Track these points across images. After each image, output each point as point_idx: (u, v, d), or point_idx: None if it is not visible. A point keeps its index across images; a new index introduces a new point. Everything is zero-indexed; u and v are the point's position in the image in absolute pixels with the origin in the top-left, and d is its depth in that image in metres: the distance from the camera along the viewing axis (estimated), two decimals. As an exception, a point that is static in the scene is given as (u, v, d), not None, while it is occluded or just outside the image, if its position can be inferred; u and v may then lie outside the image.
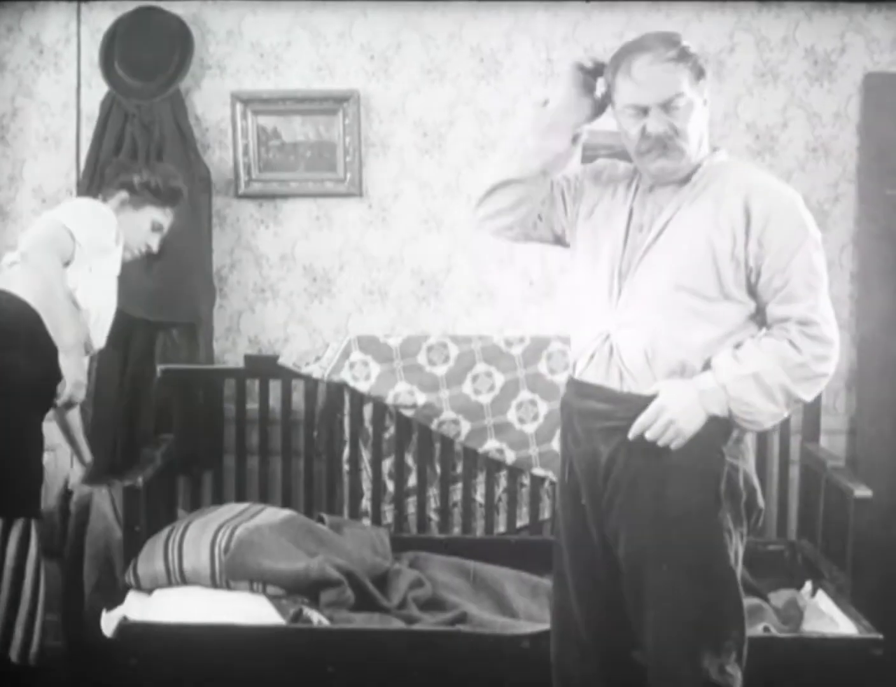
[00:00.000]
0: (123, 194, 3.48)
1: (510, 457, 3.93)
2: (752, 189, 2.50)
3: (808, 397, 2.55)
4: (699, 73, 2.51)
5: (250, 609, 3.29)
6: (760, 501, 2.60)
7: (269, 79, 4.08)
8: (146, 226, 3.52)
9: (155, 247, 3.56)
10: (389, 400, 3.92)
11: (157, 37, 3.98)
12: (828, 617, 3.31)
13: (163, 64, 3.98)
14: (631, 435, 2.51)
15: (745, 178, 2.54)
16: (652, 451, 2.51)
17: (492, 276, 4.13)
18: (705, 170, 2.55)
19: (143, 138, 3.96)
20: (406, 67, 4.07)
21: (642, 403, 2.51)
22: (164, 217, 3.56)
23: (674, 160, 2.51)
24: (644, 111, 2.48)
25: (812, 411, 3.90)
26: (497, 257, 4.11)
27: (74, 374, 3.11)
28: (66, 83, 4.11)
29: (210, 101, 4.10)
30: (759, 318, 2.54)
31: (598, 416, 2.58)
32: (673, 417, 2.47)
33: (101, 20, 4.04)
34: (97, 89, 4.05)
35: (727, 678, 2.54)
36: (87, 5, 4.08)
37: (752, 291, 2.51)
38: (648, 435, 2.49)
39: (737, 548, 2.56)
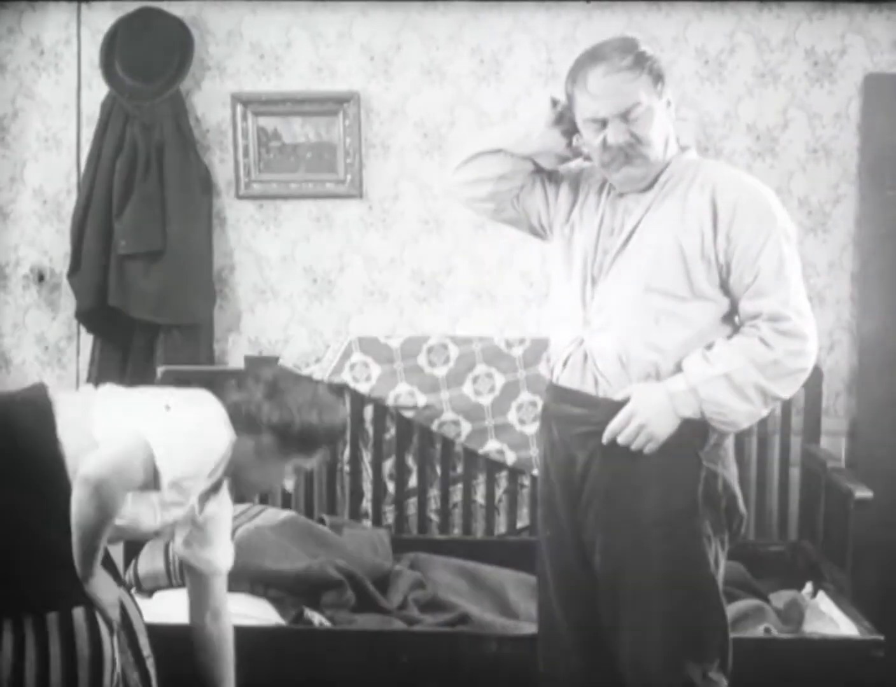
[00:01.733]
0: (269, 438, 2.55)
1: (510, 458, 3.92)
2: (717, 185, 2.48)
3: (786, 394, 2.52)
4: (657, 78, 2.47)
5: (251, 610, 3.28)
6: (741, 508, 2.58)
7: (269, 80, 4.08)
8: (288, 470, 2.63)
9: (290, 487, 2.75)
10: (390, 401, 3.92)
11: (157, 38, 3.98)
12: (828, 618, 3.31)
13: (163, 65, 3.98)
14: (604, 440, 2.50)
15: (711, 175, 2.52)
16: (628, 456, 2.49)
17: (492, 277, 4.13)
18: (673, 170, 2.53)
19: (144, 140, 3.97)
20: (406, 68, 4.07)
21: (617, 407, 2.50)
22: (312, 461, 2.66)
23: (638, 167, 2.49)
24: (603, 123, 2.46)
25: (812, 413, 3.90)
26: (497, 258, 4.11)
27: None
28: (66, 84, 4.11)
29: (210, 102, 4.10)
30: (734, 316, 2.52)
31: (575, 421, 2.57)
32: (644, 421, 2.46)
33: (101, 21, 4.04)
34: (97, 90, 4.05)
35: (710, 684, 2.54)
36: (88, 6, 4.08)
37: (725, 288, 2.49)
38: (620, 440, 2.48)
39: (717, 554, 2.54)
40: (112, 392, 2.65)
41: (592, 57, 2.48)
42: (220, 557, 2.78)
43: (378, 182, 4.11)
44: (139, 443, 2.40)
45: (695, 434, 2.48)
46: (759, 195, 2.50)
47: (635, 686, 2.58)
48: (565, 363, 2.60)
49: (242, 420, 2.56)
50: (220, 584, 2.81)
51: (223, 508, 2.74)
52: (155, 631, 3.20)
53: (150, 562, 3.39)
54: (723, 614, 2.57)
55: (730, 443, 2.57)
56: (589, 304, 2.56)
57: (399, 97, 4.09)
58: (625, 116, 2.44)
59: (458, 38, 4.06)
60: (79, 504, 2.39)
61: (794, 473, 3.95)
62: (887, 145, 3.97)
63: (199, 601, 2.83)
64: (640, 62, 2.45)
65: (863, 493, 3.42)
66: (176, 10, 4.02)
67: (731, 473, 2.56)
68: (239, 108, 4.05)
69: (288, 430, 2.55)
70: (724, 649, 2.56)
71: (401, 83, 4.08)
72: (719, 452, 2.53)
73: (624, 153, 2.47)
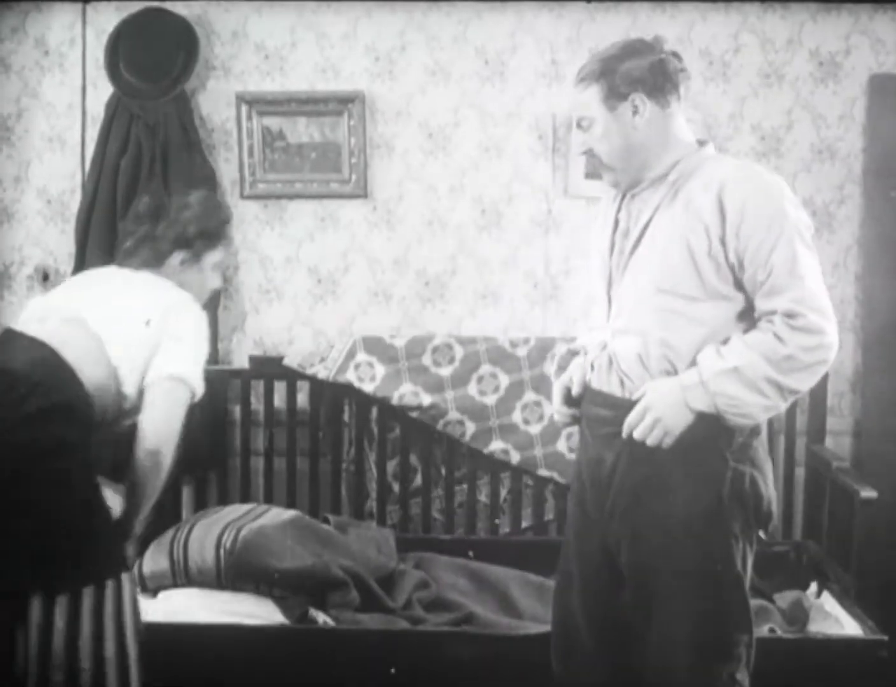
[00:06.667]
0: (181, 255, 2.86)
1: (515, 458, 3.93)
2: (725, 183, 2.45)
3: (804, 387, 2.49)
4: (610, 88, 2.49)
5: (256, 610, 3.29)
6: (768, 507, 2.55)
7: (273, 80, 4.09)
8: (208, 271, 2.93)
9: (220, 284, 3.03)
10: (394, 401, 3.92)
11: (161, 38, 3.98)
12: (833, 618, 3.31)
13: (168, 65, 3.99)
14: (623, 435, 2.51)
15: (719, 173, 2.49)
16: (653, 456, 2.49)
17: (496, 277, 4.13)
18: (683, 169, 2.52)
19: (148, 139, 3.97)
20: (411, 68, 4.07)
21: None
22: (223, 254, 2.98)
23: (607, 173, 2.57)
24: None
25: (817, 413, 3.90)
26: (502, 259, 4.11)
27: None
28: (71, 84, 4.11)
29: (215, 102, 4.11)
30: (751, 312, 2.49)
31: (603, 422, 2.59)
32: (658, 415, 2.45)
33: (106, 21, 4.05)
34: (102, 90, 4.06)
35: (736, 686, 2.53)
36: (92, 6, 4.09)
37: (739, 286, 2.47)
38: (636, 435, 2.48)
39: (745, 553, 2.53)
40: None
41: None
42: (156, 365, 2.73)
43: (383, 182, 4.12)
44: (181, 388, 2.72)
45: (721, 434, 2.47)
46: (769, 190, 2.47)
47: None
48: (592, 366, 2.62)
49: (159, 251, 2.85)
50: (149, 397, 2.72)
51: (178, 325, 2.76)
52: (160, 630, 3.22)
53: (154, 561, 3.39)
54: (748, 614, 2.55)
55: (759, 442, 2.54)
56: (609, 307, 2.59)
57: (403, 97, 4.09)
58: (580, 126, 2.56)
59: (463, 39, 4.06)
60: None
61: (799, 472, 3.96)
62: (892, 146, 3.97)
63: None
64: (597, 73, 2.50)
65: (868, 493, 3.42)
66: (181, 10, 4.02)
67: (761, 472, 2.53)
68: (244, 108, 4.05)
69: (186, 237, 2.85)
70: (749, 649, 2.54)
71: (405, 83, 4.08)
72: (748, 452, 2.50)
73: (594, 160, 2.57)
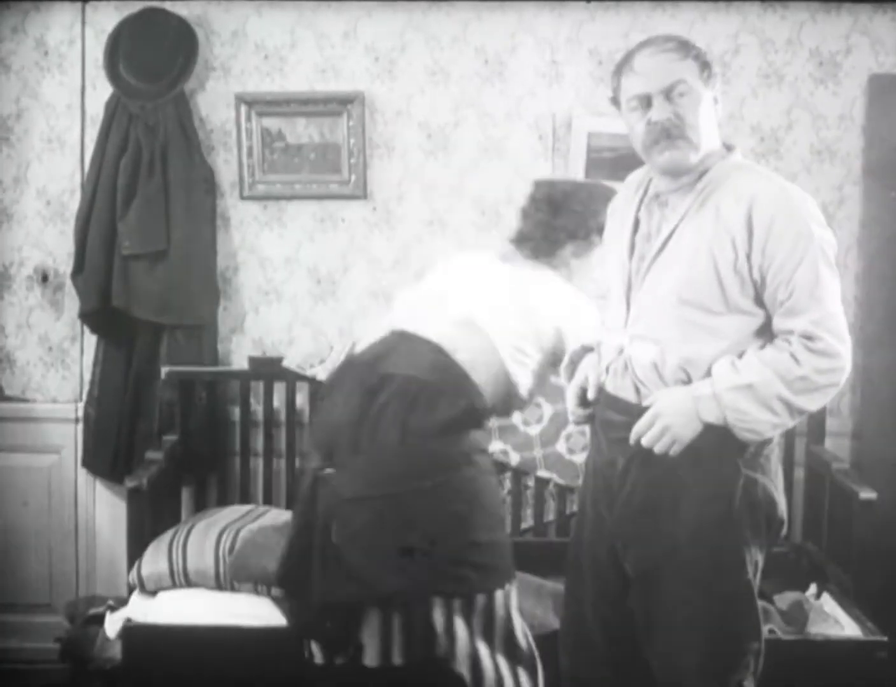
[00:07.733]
0: (573, 246, 3.00)
1: (514, 459, 3.92)
2: (754, 198, 2.44)
3: (813, 408, 2.50)
4: (704, 66, 2.49)
5: (254, 610, 3.29)
6: (780, 514, 2.56)
7: (273, 80, 4.08)
8: (595, 258, 3.02)
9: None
10: (393, 402, 3.91)
11: (161, 38, 3.98)
12: (832, 619, 3.31)
13: (167, 65, 3.98)
14: (631, 441, 2.51)
15: (749, 187, 2.47)
16: (665, 463, 2.49)
17: (496, 277, 4.12)
18: (712, 177, 2.51)
19: (148, 140, 3.96)
20: (410, 69, 4.07)
21: None
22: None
23: (681, 149, 2.48)
24: (648, 102, 2.48)
25: (817, 414, 3.88)
26: (501, 259, 4.11)
27: None
28: (70, 85, 4.11)
29: (214, 102, 4.10)
30: (770, 328, 2.48)
31: (616, 427, 2.59)
32: (668, 422, 2.45)
33: (105, 21, 4.04)
34: (102, 91, 4.05)
35: None
36: (92, 6, 4.08)
37: (759, 302, 2.47)
38: (644, 441, 2.48)
39: (756, 560, 2.55)
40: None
41: (640, 44, 2.53)
42: None
43: (382, 183, 4.11)
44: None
45: (733, 441, 2.46)
46: (797, 210, 2.44)
47: None
48: (607, 370, 2.63)
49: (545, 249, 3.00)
50: None
51: None
52: (158, 631, 3.22)
53: (153, 562, 3.39)
54: (758, 622, 2.55)
55: (771, 450, 2.53)
56: (627, 311, 2.58)
57: (403, 97, 4.08)
58: (668, 94, 2.46)
59: (463, 39, 4.06)
60: None
61: (799, 473, 3.95)
62: (891, 146, 3.96)
63: None
64: (687, 48, 2.49)
65: (867, 494, 3.42)
66: (180, 10, 4.02)
67: (772, 480, 2.53)
68: (243, 109, 4.05)
69: (575, 233, 2.97)
70: (757, 656, 2.55)
71: (405, 84, 4.08)
72: (759, 460, 2.50)
73: (667, 133, 2.46)
